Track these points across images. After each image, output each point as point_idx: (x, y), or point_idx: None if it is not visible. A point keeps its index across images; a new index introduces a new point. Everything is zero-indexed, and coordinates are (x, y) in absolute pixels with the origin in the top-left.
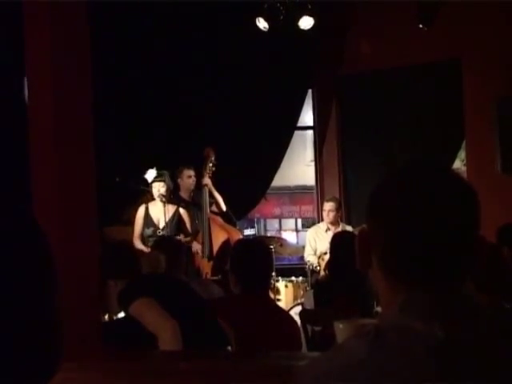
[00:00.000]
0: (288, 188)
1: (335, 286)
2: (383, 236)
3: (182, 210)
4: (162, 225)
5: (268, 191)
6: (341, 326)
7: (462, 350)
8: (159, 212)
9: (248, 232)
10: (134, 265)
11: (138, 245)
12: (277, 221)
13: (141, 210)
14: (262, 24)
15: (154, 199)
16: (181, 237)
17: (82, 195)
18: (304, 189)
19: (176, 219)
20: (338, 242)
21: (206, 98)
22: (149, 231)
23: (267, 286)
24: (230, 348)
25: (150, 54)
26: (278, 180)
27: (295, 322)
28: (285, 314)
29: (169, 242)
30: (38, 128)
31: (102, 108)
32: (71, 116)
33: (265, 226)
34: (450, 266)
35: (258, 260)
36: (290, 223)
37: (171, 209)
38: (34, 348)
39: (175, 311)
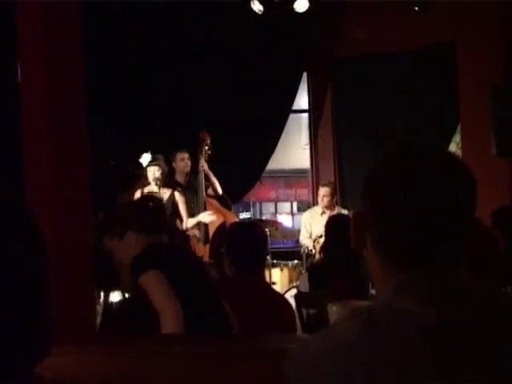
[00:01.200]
0: (283, 171)
1: (330, 268)
2: (379, 217)
3: (177, 194)
4: None
5: (263, 175)
6: (334, 308)
7: (455, 332)
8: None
9: (243, 215)
10: (159, 220)
11: None
12: (272, 204)
13: (136, 195)
14: (256, 6)
15: (149, 183)
16: (181, 222)
17: (76, 179)
18: (299, 172)
19: (170, 203)
20: (332, 224)
21: (200, 81)
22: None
23: (261, 269)
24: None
25: (144, 38)
26: (274, 163)
27: (290, 304)
28: (279, 296)
29: None
30: (32, 114)
31: (97, 92)
32: (65, 100)
33: (260, 209)
34: (446, 249)
35: (252, 242)
36: (285, 207)
37: (167, 192)
38: (22, 330)
39: (184, 287)
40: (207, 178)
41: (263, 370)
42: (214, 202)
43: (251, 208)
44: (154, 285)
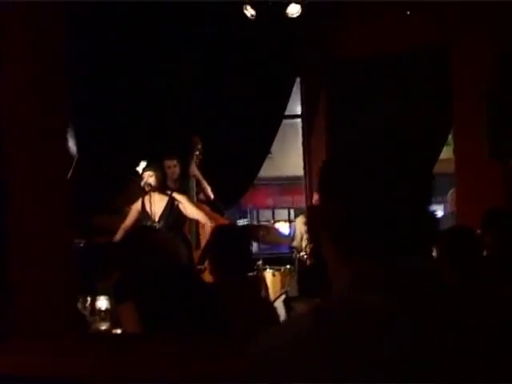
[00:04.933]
0: (280, 178)
1: (319, 272)
2: (335, 210)
3: (176, 194)
4: (157, 217)
5: (260, 182)
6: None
7: (413, 324)
8: (153, 204)
9: (241, 222)
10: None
11: (119, 236)
12: (270, 211)
13: (137, 204)
14: (249, 12)
15: (147, 192)
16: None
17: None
18: (297, 179)
19: (172, 209)
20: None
21: (193, 85)
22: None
23: (243, 272)
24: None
25: (137, 42)
26: (271, 170)
27: (273, 308)
28: (262, 300)
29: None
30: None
31: (92, 96)
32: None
33: (258, 216)
34: (403, 239)
35: (234, 246)
36: (282, 213)
37: (164, 199)
38: None
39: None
40: (198, 184)
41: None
42: (206, 207)
43: (248, 215)
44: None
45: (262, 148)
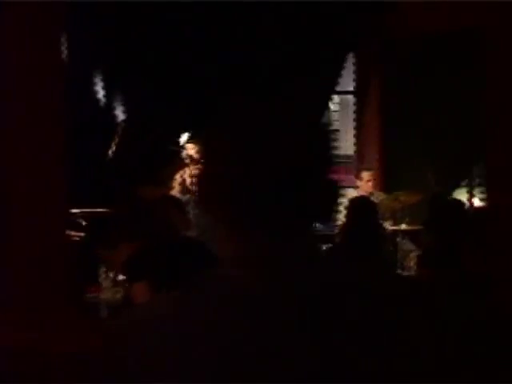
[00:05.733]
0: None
1: (350, 251)
2: (213, 185)
3: None
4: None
5: None
6: None
7: (285, 301)
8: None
9: None
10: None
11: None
12: None
13: (178, 177)
14: None
15: (188, 164)
16: None
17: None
18: (346, 158)
19: None
20: (353, 207)
21: (240, 59)
22: (185, 198)
23: None
24: None
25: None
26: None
27: None
28: None
29: None
30: None
31: (141, 67)
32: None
33: None
34: (279, 213)
35: None
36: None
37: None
38: None
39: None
40: None
41: None
42: None
43: None
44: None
45: None
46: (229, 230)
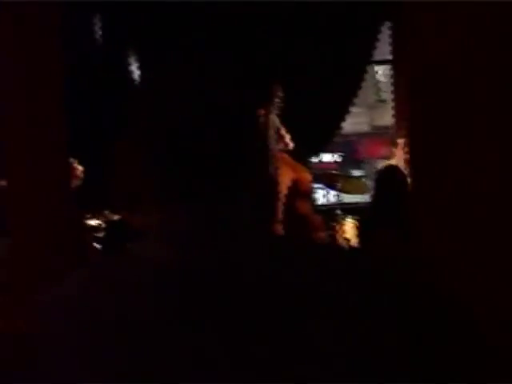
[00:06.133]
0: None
1: (379, 221)
2: (142, 157)
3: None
4: None
5: (373, 130)
6: None
7: (205, 277)
8: None
9: (354, 173)
10: None
11: None
12: (384, 162)
13: None
14: None
15: None
16: None
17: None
18: (385, 129)
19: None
20: (382, 176)
21: (275, 30)
22: None
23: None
24: None
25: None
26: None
27: None
28: None
29: None
30: None
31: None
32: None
33: (374, 166)
34: (209, 184)
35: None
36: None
37: None
38: None
39: None
40: (278, 132)
41: None
42: (286, 156)
43: (364, 165)
44: None
45: (348, 95)
46: (151, 203)
